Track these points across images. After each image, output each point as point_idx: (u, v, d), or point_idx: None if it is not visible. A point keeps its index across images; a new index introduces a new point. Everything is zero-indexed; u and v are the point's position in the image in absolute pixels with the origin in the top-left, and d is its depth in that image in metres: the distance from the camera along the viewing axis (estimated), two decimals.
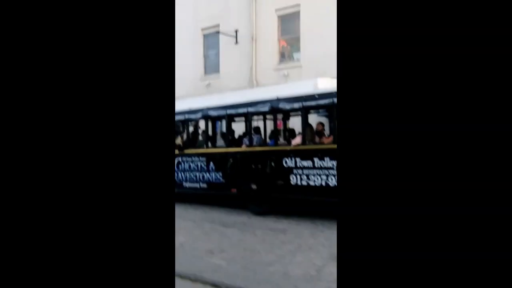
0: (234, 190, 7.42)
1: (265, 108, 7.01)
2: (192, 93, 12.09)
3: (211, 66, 12.67)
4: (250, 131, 7.37)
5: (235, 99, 7.65)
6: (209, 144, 8.24)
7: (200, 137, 8.96)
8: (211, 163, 7.78)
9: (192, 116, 8.34)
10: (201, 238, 5.14)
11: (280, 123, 9.76)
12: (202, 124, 9.27)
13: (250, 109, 7.19)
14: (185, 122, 8.65)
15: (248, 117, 7.41)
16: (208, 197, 8.22)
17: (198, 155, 8.04)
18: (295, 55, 11.02)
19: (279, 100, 6.75)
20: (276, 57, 11.25)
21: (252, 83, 11.39)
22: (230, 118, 7.98)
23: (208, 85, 12.38)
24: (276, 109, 6.97)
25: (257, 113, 7.56)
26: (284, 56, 11.27)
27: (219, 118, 8.29)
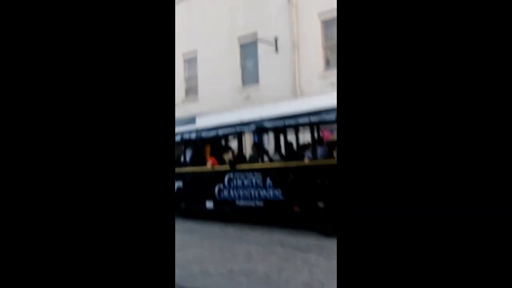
0: (297, 209, 6.72)
1: (332, 117, 6.34)
2: (229, 106, 11.55)
3: (250, 76, 12.12)
4: (314, 142, 6.69)
5: (287, 109, 7.03)
6: (264, 158, 7.58)
7: (251, 151, 8.34)
8: (268, 179, 7.10)
9: (245, 129, 7.72)
10: (285, 267, 4.44)
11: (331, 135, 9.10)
12: (247, 137, 8.70)
13: (313, 119, 6.53)
14: (235, 136, 8.06)
15: (312, 128, 6.74)
16: (265, 217, 7.53)
17: (253, 170, 7.39)
18: None
19: None
20: (320, 64, 10.62)
21: (296, 92, 10.76)
22: (290, 129, 7.34)
23: (247, 96, 11.81)
24: None
25: (323, 123, 6.89)
26: (329, 63, 10.63)
27: (276, 129, 7.64)
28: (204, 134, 8.36)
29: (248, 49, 12.15)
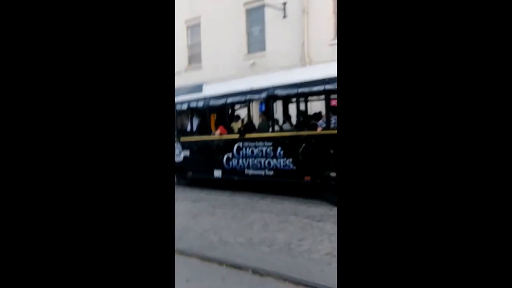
0: (308, 178, 6.63)
1: None
2: (234, 73, 11.29)
3: (256, 43, 11.78)
4: (328, 111, 6.52)
5: (298, 77, 6.82)
6: (275, 127, 7.43)
7: (261, 120, 8.18)
8: (279, 148, 6.98)
9: (255, 97, 7.52)
10: (304, 236, 4.37)
11: None
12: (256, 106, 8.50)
13: (328, 87, 6.32)
14: (245, 104, 7.87)
15: (327, 96, 6.54)
16: (275, 186, 7.46)
17: (263, 139, 7.24)
18: None
19: None
20: (331, 31, 10.28)
21: (305, 60, 10.48)
22: (302, 98, 7.15)
23: (253, 64, 11.51)
24: None
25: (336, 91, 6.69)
26: None
27: (288, 98, 7.44)
28: (212, 102, 8.15)
29: (255, 15, 11.74)
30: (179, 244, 3.55)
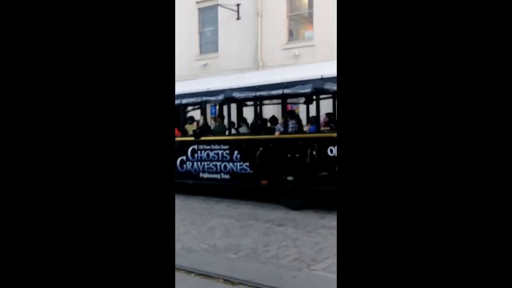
0: (264, 182, 6.62)
1: (307, 90, 6.21)
2: (186, 74, 11.02)
3: (208, 44, 11.60)
4: (286, 116, 6.57)
5: (253, 80, 6.83)
6: (232, 130, 7.34)
7: (216, 122, 8.04)
8: (236, 152, 6.90)
9: (211, 98, 7.37)
10: (268, 241, 4.34)
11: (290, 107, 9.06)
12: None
13: (287, 91, 6.37)
14: (200, 106, 7.69)
15: (283, 100, 6.58)
16: (230, 189, 7.36)
17: (219, 142, 7.12)
18: (307, 34, 10.24)
19: (323, 79, 5.97)
20: (284, 35, 10.41)
21: (258, 63, 10.50)
22: (259, 101, 7.12)
23: (205, 65, 11.33)
24: (320, 91, 6.17)
25: (295, 95, 6.76)
26: (293, 34, 10.45)
27: (245, 100, 7.38)
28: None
29: (208, 14, 11.57)
30: None
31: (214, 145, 7.17)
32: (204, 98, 7.39)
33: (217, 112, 9.03)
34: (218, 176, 7.16)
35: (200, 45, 11.75)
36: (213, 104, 8.88)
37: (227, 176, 7.05)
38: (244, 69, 9.91)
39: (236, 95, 6.96)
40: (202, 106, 7.72)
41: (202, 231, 4.87)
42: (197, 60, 11.62)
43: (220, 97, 7.14)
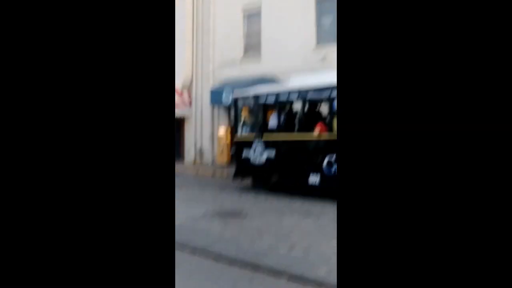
0: None
1: None
2: (301, 67, 10.18)
3: (326, 35, 10.67)
4: None
5: None
6: None
7: None
8: None
9: None
10: None
11: None
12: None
13: None
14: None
15: None
16: None
17: None
18: None
19: None
20: None
21: None
22: None
23: (323, 58, 10.40)
24: None
25: None
26: None
27: None
28: (311, 96, 7.06)
29: (326, 4, 10.65)
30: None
31: None
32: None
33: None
34: None
35: (317, 36, 10.88)
36: None
37: None
38: None
39: None
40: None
41: None
42: (314, 52, 10.75)
43: None
